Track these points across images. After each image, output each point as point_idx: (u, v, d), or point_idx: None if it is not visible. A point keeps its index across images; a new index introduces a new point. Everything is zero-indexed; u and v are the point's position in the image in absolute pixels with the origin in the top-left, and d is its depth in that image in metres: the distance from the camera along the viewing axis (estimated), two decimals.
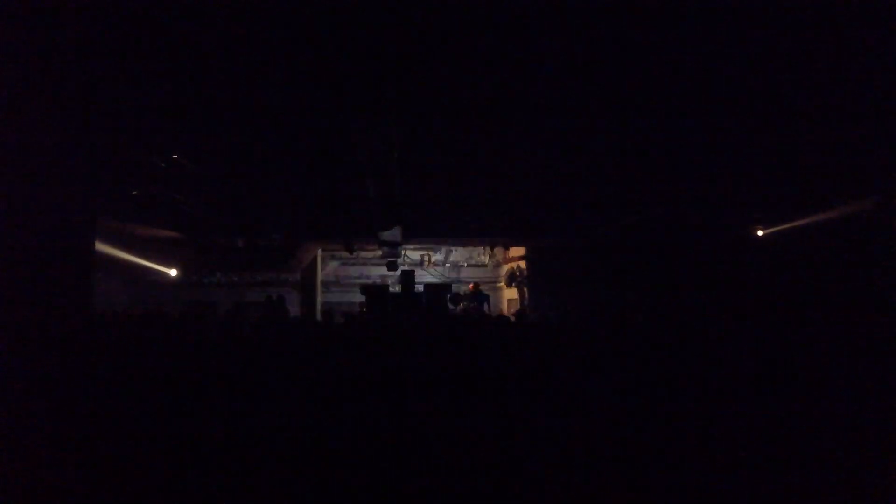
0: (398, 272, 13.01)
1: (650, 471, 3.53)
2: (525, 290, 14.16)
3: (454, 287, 13.49)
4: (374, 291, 11.49)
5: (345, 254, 13.45)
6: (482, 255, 15.76)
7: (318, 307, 13.76)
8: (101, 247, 8.78)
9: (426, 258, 15.57)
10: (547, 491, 3.37)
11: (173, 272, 11.90)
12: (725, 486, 3.35)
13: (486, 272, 15.95)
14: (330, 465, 3.45)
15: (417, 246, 15.04)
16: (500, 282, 15.80)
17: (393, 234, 10.31)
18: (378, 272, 15.08)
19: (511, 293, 14.99)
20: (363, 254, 14.88)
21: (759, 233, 9.33)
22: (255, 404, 3.95)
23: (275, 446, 3.62)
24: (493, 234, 12.04)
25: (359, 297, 12.43)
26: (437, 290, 11.34)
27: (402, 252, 14.27)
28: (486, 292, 12.70)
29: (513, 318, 7.53)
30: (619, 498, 3.35)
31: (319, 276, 14.38)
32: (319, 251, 14.01)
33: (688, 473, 3.46)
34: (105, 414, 3.79)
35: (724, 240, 9.36)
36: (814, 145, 6.58)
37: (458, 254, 15.91)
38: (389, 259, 13.06)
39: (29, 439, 3.56)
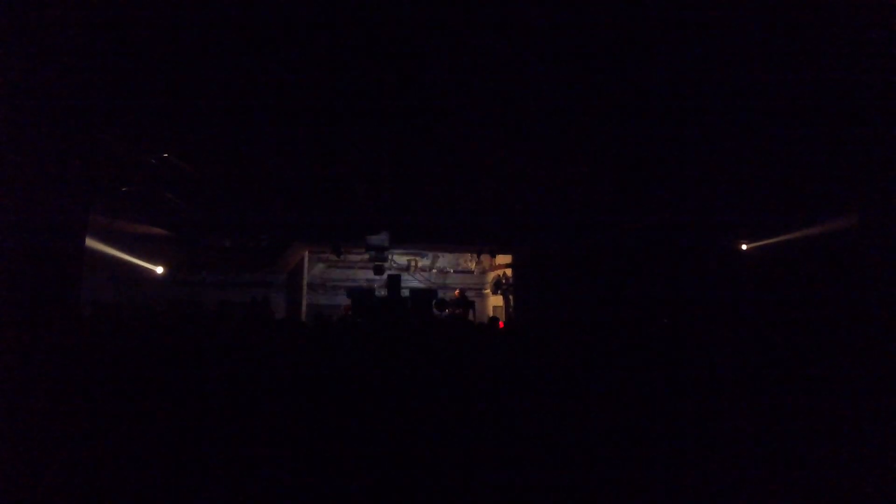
0: (384, 276, 13.06)
1: (639, 473, 3.58)
2: (510, 297, 14.26)
3: (440, 293, 13.56)
4: (360, 295, 11.54)
5: (331, 256, 13.46)
6: (469, 261, 15.84)
7: (304, 309, 13.77)
8: (90, 242, 8.74)
9: (413, 263, 15.62)
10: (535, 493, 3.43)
11: (160, 270, 11.86)
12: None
13: (472, 279, 16.04)
14: (315, 469, 3.48)
15: (405, 251, 15.09)
16: (486, 288, 15.89)
17: (381, 238, 10.39)
18: (364, 276, 15.06)
19: (497, 300, 15.08)
20: (350, 257, 14.90)
21: (744, 247, 9.55)
22: (241, 406, 3.95)
23: (260, 448, 3.63)
24: (481, 242, 12.16)
25: (344, 300, 12.46)
26: (423, 296, 11.41)
27: (390, 256, 14.31)
28: (472, 299, 12.76)
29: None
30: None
31: (306, 278, 14.38)
32: (306, 253, 14.03)
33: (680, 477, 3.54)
34: (91, 412, 3.76)
35: (710, 249, 9.54)
36: (797, 161, 6.75)
37: (445, 260, 15.98)
38: (376, 263, 13.08)
39: (14, 437, 3.54)
